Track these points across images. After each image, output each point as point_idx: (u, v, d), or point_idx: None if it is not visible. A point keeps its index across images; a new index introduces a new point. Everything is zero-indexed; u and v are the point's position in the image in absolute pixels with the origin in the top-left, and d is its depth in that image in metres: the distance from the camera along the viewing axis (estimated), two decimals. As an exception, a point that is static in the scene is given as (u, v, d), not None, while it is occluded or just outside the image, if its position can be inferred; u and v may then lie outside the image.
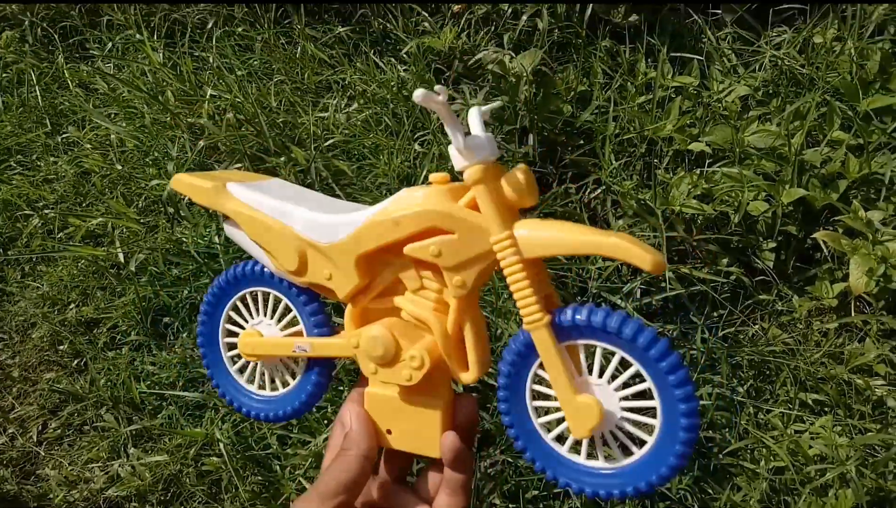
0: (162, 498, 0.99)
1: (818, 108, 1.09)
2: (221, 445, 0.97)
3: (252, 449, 0.97)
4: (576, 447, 0.40)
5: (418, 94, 0.37)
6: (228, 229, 0.48)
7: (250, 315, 0.49)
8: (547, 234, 0.37)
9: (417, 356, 0.40)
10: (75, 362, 1.16)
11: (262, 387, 0.49)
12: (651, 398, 0.37)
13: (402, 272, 0.42)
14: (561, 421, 0.40)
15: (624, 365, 0.38)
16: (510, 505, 0.90)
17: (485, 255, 0.39)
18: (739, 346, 1.00)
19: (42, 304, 1.20)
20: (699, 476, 0.90)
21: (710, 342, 0.98)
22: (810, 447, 0.89)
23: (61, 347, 1.16)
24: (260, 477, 0.96)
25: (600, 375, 0.38)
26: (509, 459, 0.91)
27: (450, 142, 0.39)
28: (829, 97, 1.09)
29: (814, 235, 1.03)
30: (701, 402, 0.95)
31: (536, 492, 0.90)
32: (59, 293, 1.21)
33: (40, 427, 1.11)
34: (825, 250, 1.05)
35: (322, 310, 0.46)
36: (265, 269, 0.47)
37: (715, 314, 1.03)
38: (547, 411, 0.41)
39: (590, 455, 0.40)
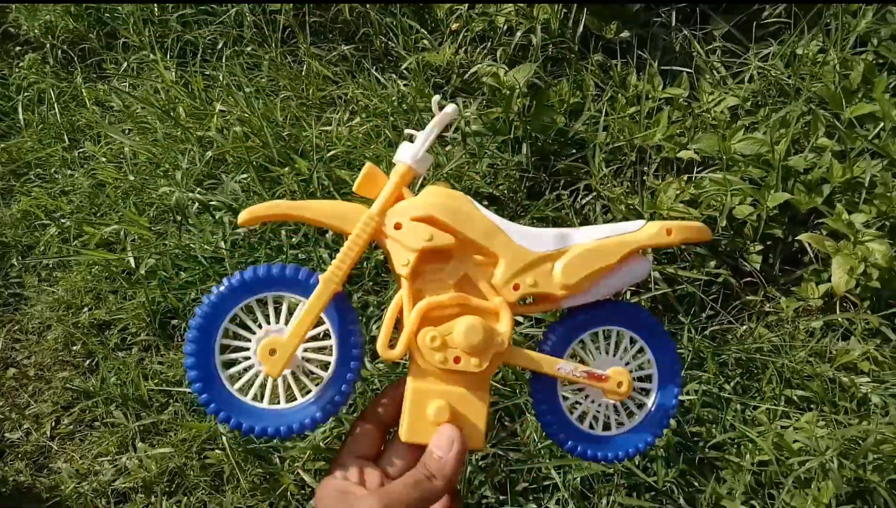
0: (167, 489, 1.03)
1: (803, 117, 1.13)
2: (224, 439, 1.01)
3: (253, 443, 1.01)
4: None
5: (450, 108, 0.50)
6: None
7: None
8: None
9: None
10: (87, 362, 1.21)
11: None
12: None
13: None
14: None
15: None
16: (500, 497, 0.93)
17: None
18: (726, 345, 1.02)
19: (57, 308, 1.25)
20: (685, 470, 0.92)
21: (697, 341, 1.00)
22: (795, 440, 0.91)
23: (74, 348, 1.21)
24: (260, 469, 1.00)
25: None
26: (500, 452, 0.94)
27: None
28: (813, 106, 1.13)
29: (798, 237, 1.06)
30: (687, 398, 0.97)
31: (526, 484, 0.93)
32: (73, 297, 1.26)
33: (53, 423, 1.16)
34: (810, 252, 1.08)
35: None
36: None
37: (703, 315, 1.06)
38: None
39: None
